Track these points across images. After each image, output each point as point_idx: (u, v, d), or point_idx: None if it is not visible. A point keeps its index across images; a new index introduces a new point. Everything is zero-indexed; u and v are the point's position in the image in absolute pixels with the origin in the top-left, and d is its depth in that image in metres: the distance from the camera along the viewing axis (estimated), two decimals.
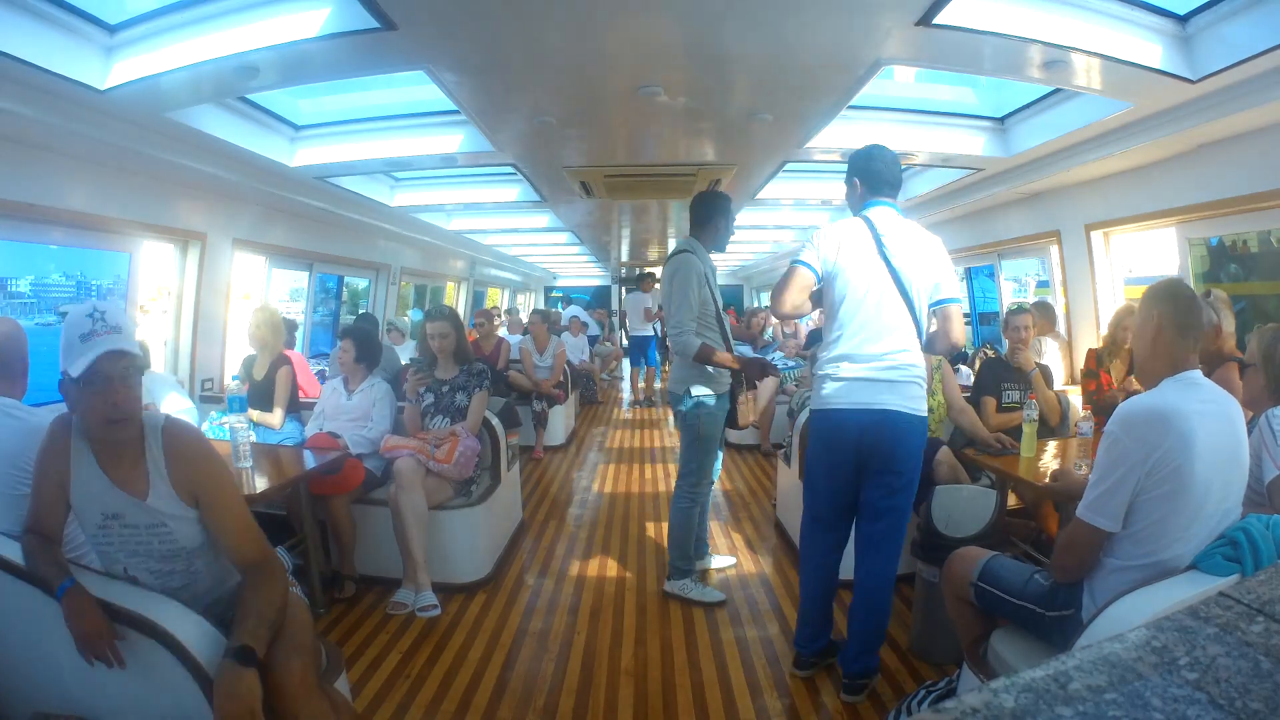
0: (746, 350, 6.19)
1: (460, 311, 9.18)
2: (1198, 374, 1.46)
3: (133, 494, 1.45)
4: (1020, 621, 1.65)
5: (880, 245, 2.02)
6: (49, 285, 3.41)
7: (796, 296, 2.07)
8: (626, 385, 9.53)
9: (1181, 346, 1.46)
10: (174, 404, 3.10)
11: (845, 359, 2.01)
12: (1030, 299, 5.15)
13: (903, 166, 4.43)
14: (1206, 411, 1.39)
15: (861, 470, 2.05)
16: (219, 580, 1.61)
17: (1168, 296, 1.50)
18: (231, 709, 1.22)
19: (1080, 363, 3.85)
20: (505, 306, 12.43)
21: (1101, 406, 3.12)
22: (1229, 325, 2.62)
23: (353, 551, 2.86)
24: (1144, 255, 3.88)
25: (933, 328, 2.08)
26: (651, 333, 8.28)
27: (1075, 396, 3.60)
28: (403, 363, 4.66)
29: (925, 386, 2.03)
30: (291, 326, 4.45)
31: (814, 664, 2.22)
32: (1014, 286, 5.42)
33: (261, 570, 1.49)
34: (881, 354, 1.98)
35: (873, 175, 2.11)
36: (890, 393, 1.98)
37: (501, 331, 6.77)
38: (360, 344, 3.21)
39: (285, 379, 3.38)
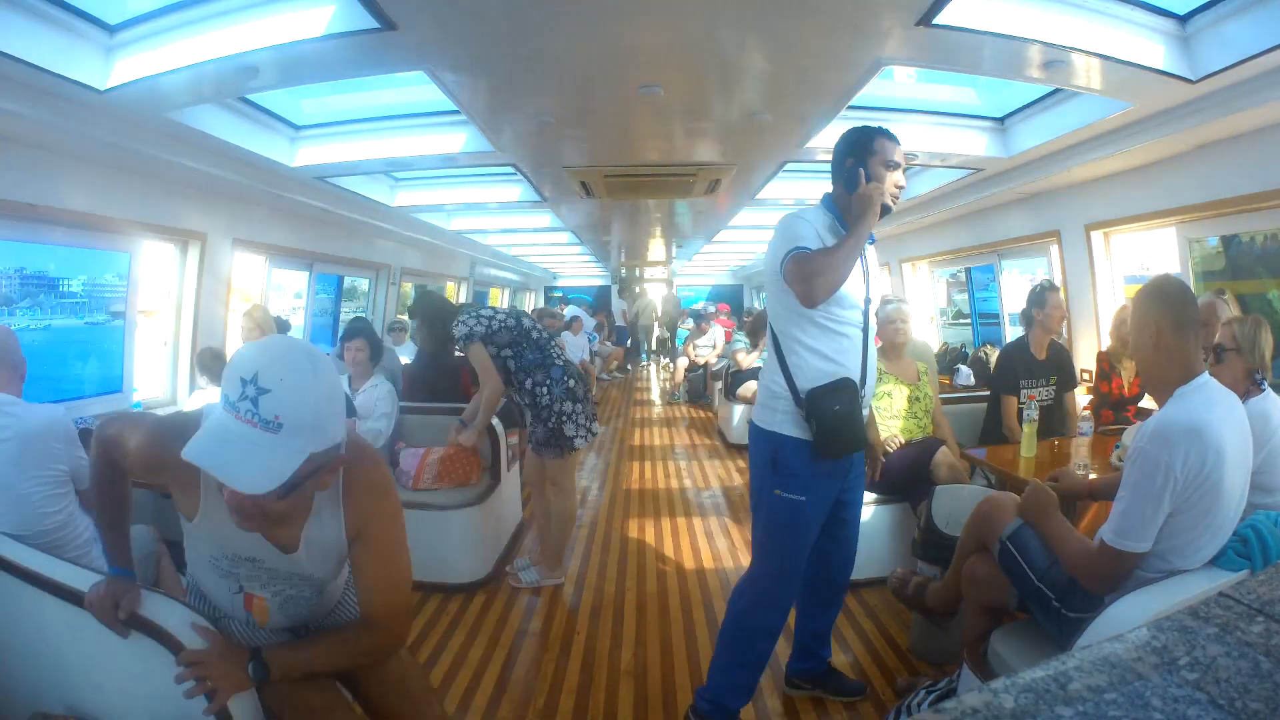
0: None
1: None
2: (1207, 376, 1.43)
3: (279, 544, 1.14)
4: (1031, 599, 1.62)
5: None
6: (102, 285, 3.51)
7: None
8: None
9: (1183, 348, 1.42)
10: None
11: None
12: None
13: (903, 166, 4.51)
14: (1227, 419, 1.38)
15: None
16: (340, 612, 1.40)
17: (1158, 297, 1.45)
18: (195, 658, 1.07)
19: (1081, 363, 3.85)
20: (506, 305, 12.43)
21: (1114, 403, 3.11)
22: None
23: None
24: (1155, 255, 3.84)
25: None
26: None
27: (1079, 396, 3.60)
28: (403, 361, 4.66)
29: (773, 391, 1.81)
30: (284, 326, 4.46)
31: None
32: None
33: (374, 626, 1.19)
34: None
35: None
36: None
37: None
38: (372, 343, 3.29)
39: None
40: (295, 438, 0.89)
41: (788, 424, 1.78)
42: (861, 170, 1.74)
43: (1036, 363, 3.07)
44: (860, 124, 1.83)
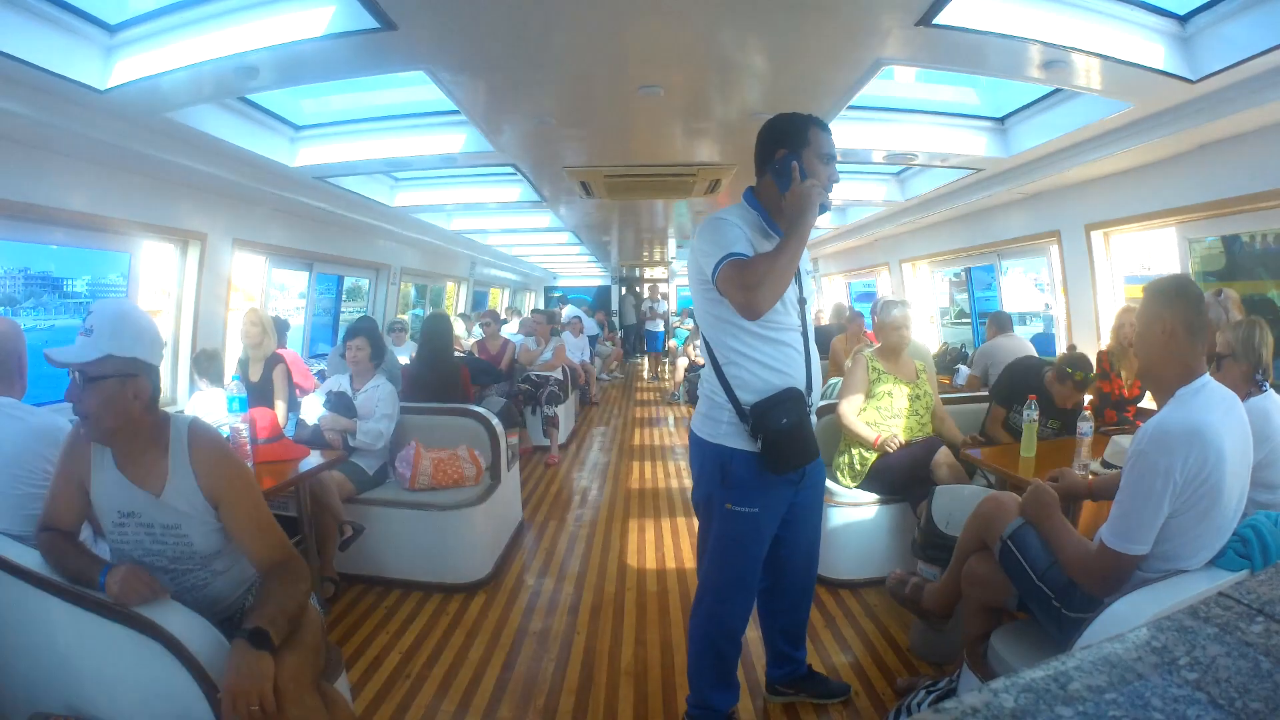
0: None
1: (460, 311, 9.19)
2: (1207, 377, 1.42)
3: (148, 489, 1.45)
4: (1031, 599, 1.62)
5: None
6: (106, 285, 3.53)
7: None
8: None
9: (1193, 351, 1.41)
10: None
11: None
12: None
13: (903, 166, 4.52)
14: (1228, 419, 1.37)
15: None
16: (238, 583, 1.61)
17: (1178, 295, 1.43)
18: (241, 687, 1.22)
19: None
20: (506, 305, 12.43)
21: (1115, 403, 3.09)
22: None
23: (332, 552, 2.84)
24: (1156, 256, 3.82)
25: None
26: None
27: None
28: (401, 361, 4.65)
29: (715, 402, 1.73)
30: (284, 326, 4.47)
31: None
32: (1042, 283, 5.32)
33: (285, 568, 1.49)
34: None
35: None
36: None
37: (505, 332, 6.76)
38: (374, 342, 3.26)
39: (282, 377, 3.40)
40: (99, 338, 1.39)
41: (733, 437, 1.69)
42: (795, 164, 1.59)
43: (1054, 408, 2.83)
44: (790, 112, 1.70)
